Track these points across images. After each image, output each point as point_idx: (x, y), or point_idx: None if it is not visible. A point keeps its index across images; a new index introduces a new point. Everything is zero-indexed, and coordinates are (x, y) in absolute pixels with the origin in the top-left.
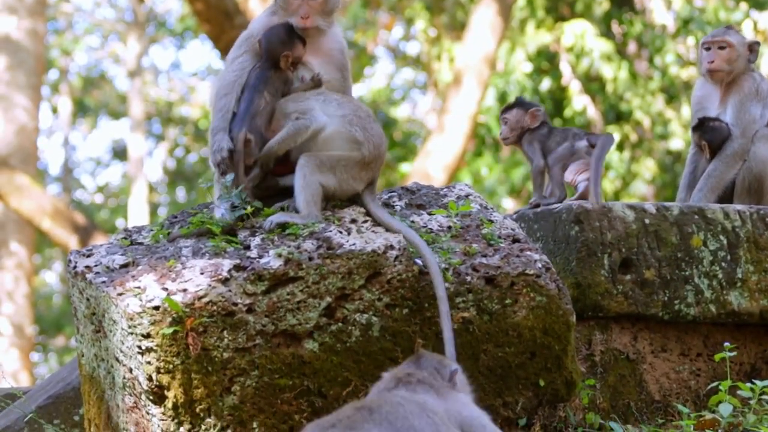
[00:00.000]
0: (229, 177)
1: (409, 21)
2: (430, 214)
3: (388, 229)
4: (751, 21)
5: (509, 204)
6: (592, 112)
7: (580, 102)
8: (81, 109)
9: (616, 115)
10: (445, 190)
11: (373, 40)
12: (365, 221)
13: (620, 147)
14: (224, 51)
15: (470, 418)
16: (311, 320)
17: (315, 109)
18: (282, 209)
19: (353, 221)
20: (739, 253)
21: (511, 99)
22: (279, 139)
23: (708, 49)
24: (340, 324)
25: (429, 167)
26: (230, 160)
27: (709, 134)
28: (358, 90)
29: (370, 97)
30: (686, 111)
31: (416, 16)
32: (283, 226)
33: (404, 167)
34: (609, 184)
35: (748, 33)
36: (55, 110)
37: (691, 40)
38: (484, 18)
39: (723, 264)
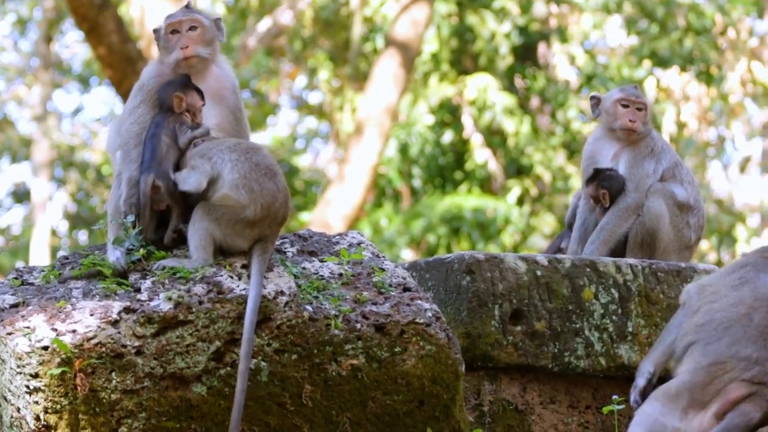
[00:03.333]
0: (130, 218)
1: (313, 71)
2: (321, 261)
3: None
4: (654, 78)
5: (409, 255)
6: (494, 166)
7: (481, 155)
8: None
9: (517, 169)
10: (337, 237)
11: (276, 89)
12: None
13: (520, 201)
14: (126, 96)
15: None
16: (200, 364)
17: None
18: (175, 255)
19: (244, 266)
20: (630, 306)
21: (413, 151)
22: None
23: (626, 106)
24: (228, 368)
25: (328, 216)
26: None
27: (608, 182)
28: (261, 138)
29: (273, 145)
30: None
31: (320, 66)
32: (172, 270)
33: (304, 216)
34: (508, 238)
35: (650, 90)
36: None
37: None
38: (387, 69)
39: (614, 317)
